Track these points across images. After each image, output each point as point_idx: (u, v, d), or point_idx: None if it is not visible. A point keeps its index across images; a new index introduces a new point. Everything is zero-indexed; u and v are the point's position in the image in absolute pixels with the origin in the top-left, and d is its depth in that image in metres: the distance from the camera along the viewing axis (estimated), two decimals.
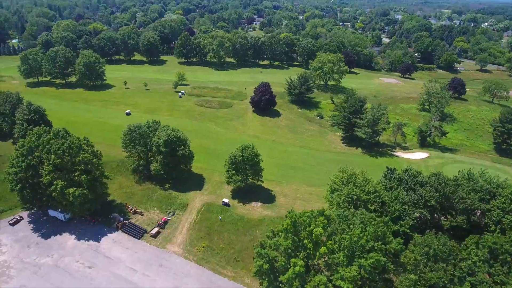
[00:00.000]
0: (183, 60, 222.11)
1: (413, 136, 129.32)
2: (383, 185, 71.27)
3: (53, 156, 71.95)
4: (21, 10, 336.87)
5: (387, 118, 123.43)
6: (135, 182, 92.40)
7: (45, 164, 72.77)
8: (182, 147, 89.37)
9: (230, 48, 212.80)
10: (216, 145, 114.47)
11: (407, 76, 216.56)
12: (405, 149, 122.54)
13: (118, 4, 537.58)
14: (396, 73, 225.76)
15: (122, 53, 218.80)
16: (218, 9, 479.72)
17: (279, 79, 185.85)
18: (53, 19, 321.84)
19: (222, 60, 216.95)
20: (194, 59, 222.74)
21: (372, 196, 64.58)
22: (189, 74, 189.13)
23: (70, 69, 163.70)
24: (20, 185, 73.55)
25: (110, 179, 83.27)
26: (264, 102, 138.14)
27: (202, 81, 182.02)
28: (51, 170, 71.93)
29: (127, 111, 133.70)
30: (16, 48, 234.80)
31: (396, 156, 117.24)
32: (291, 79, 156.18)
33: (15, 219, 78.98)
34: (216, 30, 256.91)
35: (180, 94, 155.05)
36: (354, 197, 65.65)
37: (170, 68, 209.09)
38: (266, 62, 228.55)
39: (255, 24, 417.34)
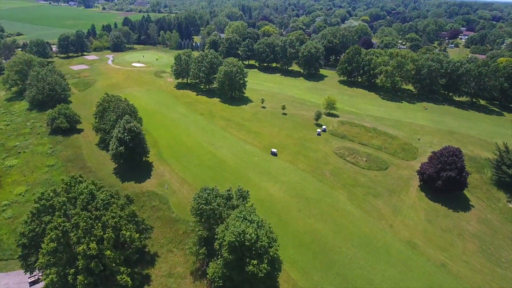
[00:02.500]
0: (344, 78, 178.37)
1: None
2: None
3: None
4: (215, 9, 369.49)
5: None
6: None
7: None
8: None
9: (412, 72, 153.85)
10: (335, 237, 69.30)
11: None
12: None
13: (307, 6, 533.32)
14: None
15: (279, 62, 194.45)
16: (414, 17, 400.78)
17: (482, 133, 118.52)
18: (238, 19, 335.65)
19: (396, 86, 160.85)
20: (360, 80, 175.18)
21: None
22: (344, 100, 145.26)
23: (214, 76, 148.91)
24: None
25: None
26: (444, 181, 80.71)
27: (358, 113, 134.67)
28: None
29: (273, 150, 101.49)
30: (194, 44, 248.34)
31: None
32: (507, 148, 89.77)
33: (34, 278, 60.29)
34: (403, 43, 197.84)
35: (319, 131, 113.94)
36: None
37: (326, 86, 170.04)
38: (464, 98, 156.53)
39: (460, 39, 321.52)
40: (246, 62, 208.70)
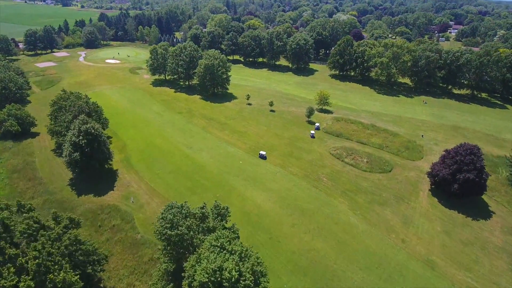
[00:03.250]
0: (336, 72, 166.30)
1: None
2: None
3: None
4: (198, 5, 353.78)
5: None
6: None
7: None
8: None
9: (409, 64, 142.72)
10: (338, 259, 56.13)
11: None
12: None
13: (294, 2, 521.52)
14: None
15: (266, 56, 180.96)
16: (401, 11, 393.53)
17: (488, 128, 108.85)
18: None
19: (392, 80, 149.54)
20: (352, 73, 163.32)
21: None
22: (337, 95, 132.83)
23: (194, 71, 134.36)
24: None
25: None
26: (461, 185, 68.68)
27: (353, 109, 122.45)
28: None
29: (262, 152, 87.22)
30: (175, 40, 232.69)
31: None
32: None
33: None
34: (393, 37, 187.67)
35: (312, 132, 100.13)
36: None
37: (317, 81, 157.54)
38: (464, 91, 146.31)
39: (450, 32, 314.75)
40: (231, 57, 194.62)
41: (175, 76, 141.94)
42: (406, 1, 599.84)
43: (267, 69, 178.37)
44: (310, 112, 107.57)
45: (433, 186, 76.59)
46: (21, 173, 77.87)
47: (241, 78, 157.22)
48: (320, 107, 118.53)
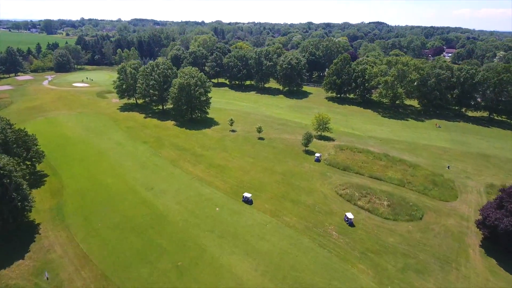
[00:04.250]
0: (333, 94, 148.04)
1: None
2: None
3: None
4: (184, 30, 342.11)
5: None
6: None
7: None
8: None
9: (416, 83, 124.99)
10: None
11: None
12: None
13: (283, 30, 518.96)
14: None
15: (254, 78, 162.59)
16: (392, 37, 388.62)
17: None
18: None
19: (397, 102, 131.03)
20: (351, 96, 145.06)
21: None
22: (337, 120, 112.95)
23: (167, 92, 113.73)
24: None
25: None
26: None
27: (358, 135, 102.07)
28: None
29: (246, 195, 63.96)
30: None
31: None
32: None
33: None
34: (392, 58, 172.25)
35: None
36: None
37: (312, 104, 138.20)
38: (480, 113, 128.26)
39: (445, 56, 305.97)
40: (215, 80, 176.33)
41: (146, 99, 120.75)
42: (394, 28, 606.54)
43: (255, 92, 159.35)
44: (308, 139, 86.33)
45: (483, 239, 54.52)
46: None
47: (225, 101, 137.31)
48: (319, 133, 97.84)
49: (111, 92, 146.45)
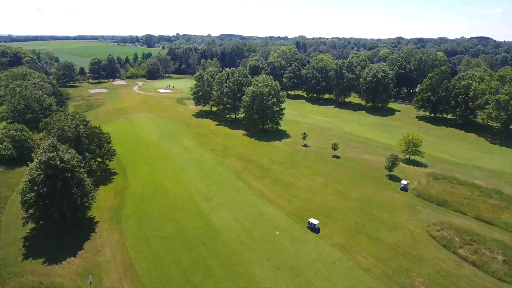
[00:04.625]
0: (426, 113, 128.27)
1: None
2: None
3: None
4: (267, 43, 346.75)
5: None
6: None
7: None
8: None
9: None
10: None
11: None
12: None
13: (370, 44, 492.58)
14: None
15: (334, 91, 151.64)
16: (501, 52, 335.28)
17: None
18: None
19: (511, 127, 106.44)
20: (449, 116, 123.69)
21: None
22: (430, 143, 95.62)
23: (240, 101, 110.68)
24: None
25: None
26: None
27: (458, 163, 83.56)
28: None
29: (313, 221, 54.08)
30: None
31: None
32: None
33: None
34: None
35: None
36: None
37: (399, 123, 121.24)
38: None
39: None
40: (292, 93, 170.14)
41: (220, 107, 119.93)
42: (503, 44, 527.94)
43: (333, 106, 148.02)
44: (393, 163, 72.73)
45: None
46: None
47: (300, 114, 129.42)
48: (407, 156, 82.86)
49: (190, 99, 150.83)
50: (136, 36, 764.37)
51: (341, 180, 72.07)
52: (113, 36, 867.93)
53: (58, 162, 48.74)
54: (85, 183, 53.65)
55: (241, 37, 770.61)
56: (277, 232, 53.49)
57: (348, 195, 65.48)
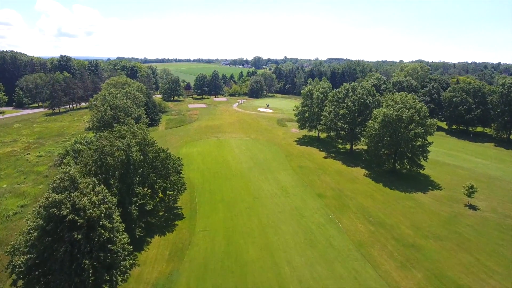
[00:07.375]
0: None
1: None
2: None
3: None
4: (382, 66, 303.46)
5: None
6: None
7: None
8: None
9: None
10: None
11: None
12: None
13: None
14: None
15: (493, 123, 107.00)
16: None
17: None
18: None
19: None
20: None
21: None
22: None
23: (361, 127, 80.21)
24: None
25: None
26: None
27: None
28: None
29: None
30: None
31: None
32: None
33: None
34: None
35: None
36: None
37: None
38: None
39: None
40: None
41: (331, 133, 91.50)
42: None
43: (493, 144, 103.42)
44: None
45: None
46: None
47: (444, 152, 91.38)
48: None
49: (292, 121, 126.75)
50: (246, 59, 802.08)
51: None
52: (226, 59, 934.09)
53: (66, 212, 28.08)
54: (115, 245, 32.06)
55: (350, 61, 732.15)
56: None
57: None
